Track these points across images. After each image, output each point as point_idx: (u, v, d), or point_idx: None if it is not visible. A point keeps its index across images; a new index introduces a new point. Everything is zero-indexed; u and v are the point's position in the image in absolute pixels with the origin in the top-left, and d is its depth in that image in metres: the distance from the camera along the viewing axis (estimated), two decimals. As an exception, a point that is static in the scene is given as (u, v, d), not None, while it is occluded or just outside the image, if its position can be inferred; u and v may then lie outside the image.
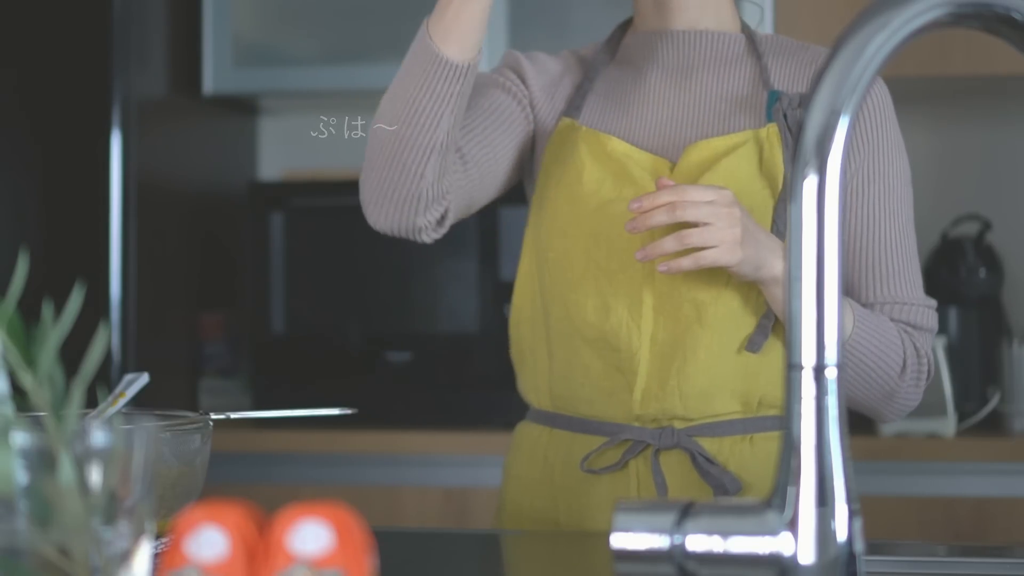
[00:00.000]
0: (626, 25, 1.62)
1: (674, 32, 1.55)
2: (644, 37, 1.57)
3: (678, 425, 1.45)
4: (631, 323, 1.44)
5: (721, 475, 1.42)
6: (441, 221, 1.48)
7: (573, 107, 1.55)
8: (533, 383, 1.55)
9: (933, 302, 1.52)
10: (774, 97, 1.47)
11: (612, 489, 1.46)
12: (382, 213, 1.45)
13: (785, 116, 1.46)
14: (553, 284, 1.49)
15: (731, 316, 1.44)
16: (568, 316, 1.48)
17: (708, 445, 1.45)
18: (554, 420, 1.52)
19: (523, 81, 1.57)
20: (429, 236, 1.48)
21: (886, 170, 1.51)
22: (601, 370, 1.46)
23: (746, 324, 1.44)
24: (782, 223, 1.43)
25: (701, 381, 1.44)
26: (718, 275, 1.42)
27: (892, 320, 1.49)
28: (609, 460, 1.47)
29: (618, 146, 1.48)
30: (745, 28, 1.58)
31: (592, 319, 1.46)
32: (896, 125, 1.52)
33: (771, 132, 1.46)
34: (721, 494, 1.42)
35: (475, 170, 1.50)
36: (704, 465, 1.43)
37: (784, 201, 1.44)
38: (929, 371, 1.49)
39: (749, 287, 1.44)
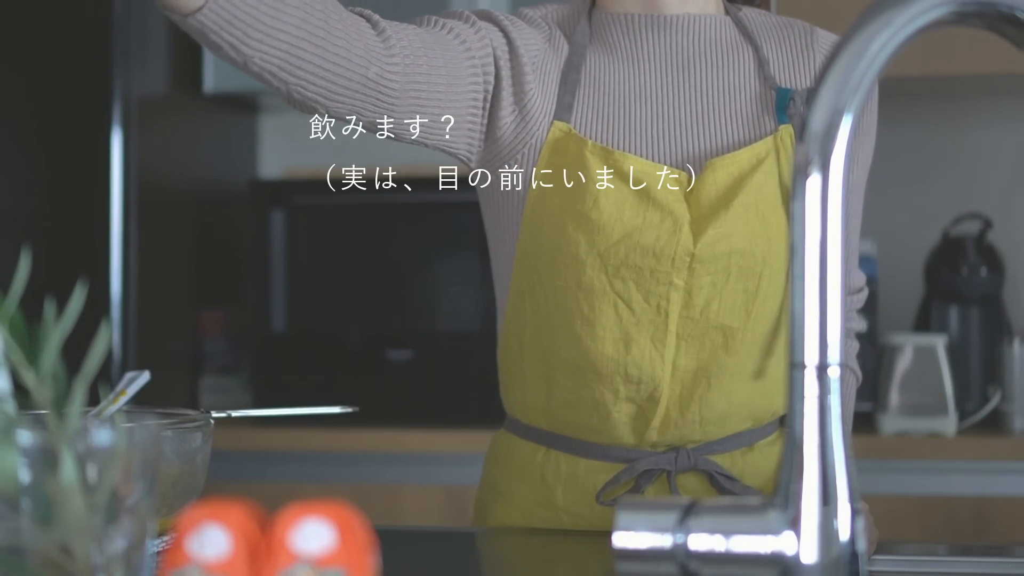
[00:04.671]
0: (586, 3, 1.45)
1: (660, 17, 1.40)
2: (623, 20, 1.42)
3: (690, 446, 1.39)
4: (654, 353, 1.35)
5: (743, 491, 1.38)
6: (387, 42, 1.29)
7: (563, 105, 1.38)
8: (522, 401, 1.46)
9: (864, 277, 1.54)
10: (785, 96, 1.38)
11: None
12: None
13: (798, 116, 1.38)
14: (557, 315, 1.38)
15: (756, 342, 1.38)
16: (580, 349, 1.37)
17: (718, 460, 1.40)
18: (553, 441, 1.44)
19: (510, 48, 1.37)
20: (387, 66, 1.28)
21: (868, 154, 1.47)
22: (613, 402, 1.37)
23: (768, 348, 1.39)
24: None
25: (721, 406, 1.38)
26: (749, 300, 1.36)
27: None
28: (623, 489, 1.39)
29: (636, 165, 1.34)
30: (729, 9, 1.46)
31: (610, 352, 1.36)
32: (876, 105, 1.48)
33: (785, 135, 1.37)
34: None
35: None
36: (724, 483, 1.38)
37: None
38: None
39: (777, 312, 1.38)
